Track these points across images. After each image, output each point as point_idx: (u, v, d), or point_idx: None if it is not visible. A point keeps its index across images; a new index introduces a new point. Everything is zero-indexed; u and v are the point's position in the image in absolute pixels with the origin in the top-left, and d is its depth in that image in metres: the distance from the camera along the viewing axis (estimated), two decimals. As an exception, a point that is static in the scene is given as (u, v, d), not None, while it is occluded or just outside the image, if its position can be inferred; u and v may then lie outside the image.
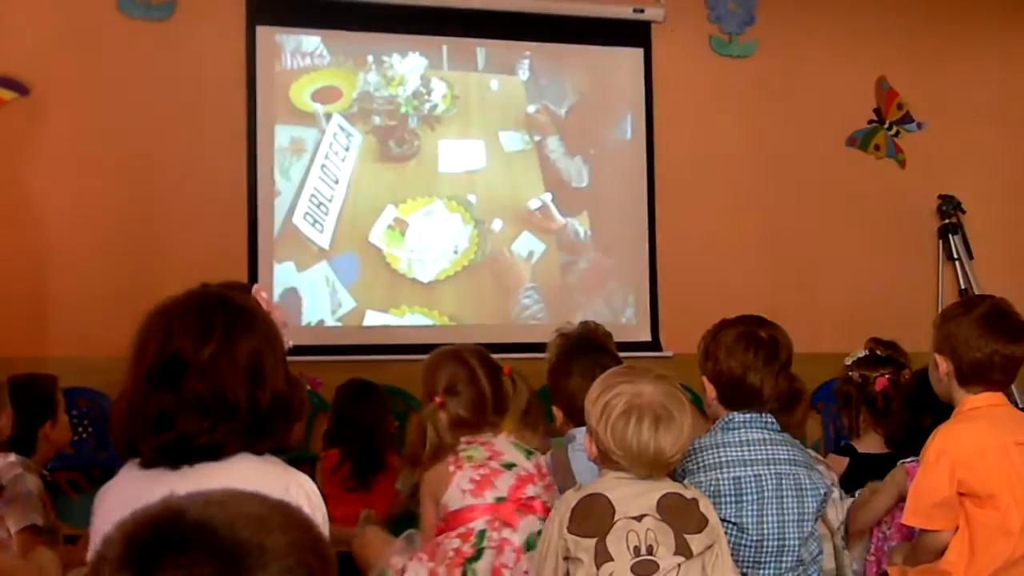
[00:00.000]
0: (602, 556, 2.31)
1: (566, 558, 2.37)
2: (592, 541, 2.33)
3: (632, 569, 2.30)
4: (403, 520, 3.45)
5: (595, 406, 2.44)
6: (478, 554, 2.79)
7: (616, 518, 2.34)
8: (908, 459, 3.22)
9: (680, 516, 2.36)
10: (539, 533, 2.82)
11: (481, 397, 3.03)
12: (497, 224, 6.05)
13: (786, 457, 2.77)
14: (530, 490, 2.92)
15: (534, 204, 6.12)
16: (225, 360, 1.91)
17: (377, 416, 4.39)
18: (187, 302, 1.99)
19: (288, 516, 1.10)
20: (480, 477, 2.89)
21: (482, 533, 2.82)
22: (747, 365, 2.80)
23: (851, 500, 3.45)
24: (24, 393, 3.43)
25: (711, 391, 2.87)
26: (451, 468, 2.91)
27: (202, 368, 1.90)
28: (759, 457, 2.74)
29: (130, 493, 1.93)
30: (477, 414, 3.02)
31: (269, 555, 1.02)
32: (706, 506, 2.43)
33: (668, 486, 2.43)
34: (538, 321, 5.95)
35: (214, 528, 1.02)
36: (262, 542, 1.03)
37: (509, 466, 2.93)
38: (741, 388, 2.80)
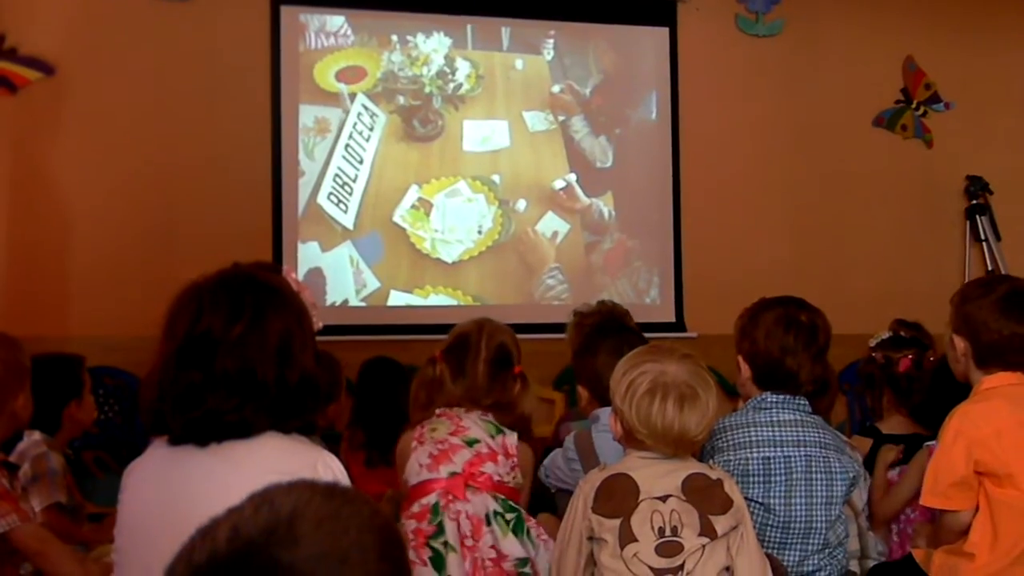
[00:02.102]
0: (626, 537, 2.31)
1: (590, 538, 2.38)
2: (616, 521, 2.32)
3: (657, 550, 2.30)
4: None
5: (620, 385, 2.43)
6: (439, 530, 2.78)
7: (641, 498, 2.34)
8: (931, 442, 3.21)
9: (705, 497, 2.36)
10: (496, 514, 2.83)
11: (471, 379, 3.03)
12: (521, 204, 6.03)
13: (817, 439, 2.76)
14: (487, 467, 2.89)
15: (558, 184, 6.10)
16: (254, 339, 1.92)
17: (398, 394, 4.39)
18: (218, 281, 2.00)
19: (361, 546, 1.04)
20: (438, 452, 2.89)
21: (435, 507, 2.81)
22: (786, 348, 2.79)
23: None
24: (50, 372, 3.45)
25: (746, 371, 2.86)
26: (413, 443, 2.94)
27: (231, 346, 1.91)
28: (789, 438, 2.73)
29: (158, 470, 1.95)
30: (458, 387, 3.03)
31: None
32: (731, 487, 2.42)
33: (693, 466, 2.42)
34: (562, 302, 5.93)
35: None
36: None
37: (471, 442, 2.92)
38: (778, 371, 2.80)
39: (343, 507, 1.07)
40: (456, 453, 2.89)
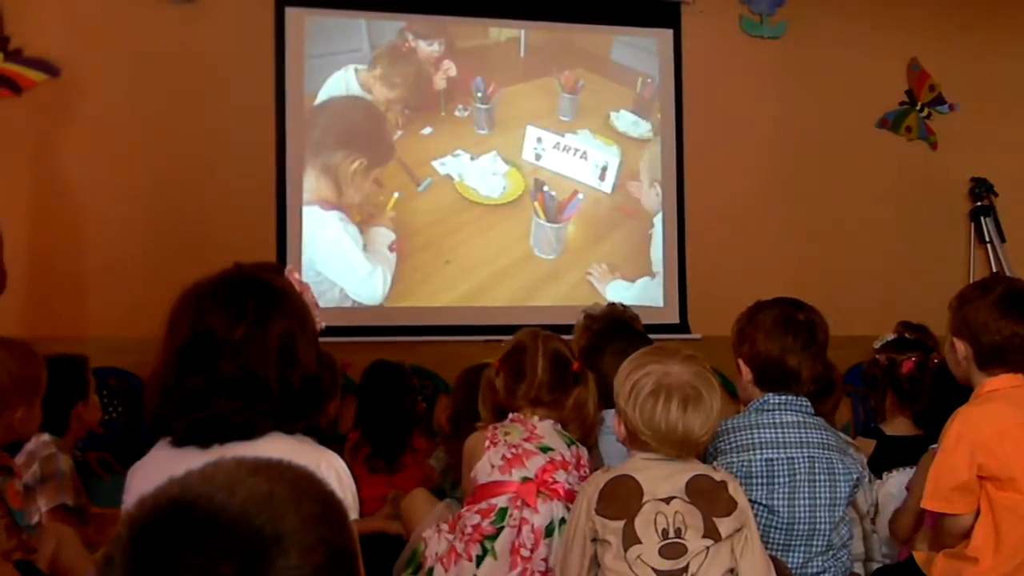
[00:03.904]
0: (630, 538, 2.30)
1: (593, 540, 2.37)
2: (620, 523, 2.32)
3: (660, 552, 2.29)
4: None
5: (624, 386, 2.43)
6: (497, 532, 2.78)
7: (644, 499, 2.33)
8: (936, 445, 3.20)
9: (708, 499, 2.35)
10: (562, 521, 2.82)
11: (531, 377, 3.03)
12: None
13: (819, 441, 2.75)
14: (559, 475, 2.88)
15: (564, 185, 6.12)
16: (257, 340, 1.92)
17: (401, 397, 4.38)
18: (220, 282, 1.99)
19: (295, 487, 1.08)
20: (512, 455, 2.88)
21: (503, 511, 2.80)
22: (785, 348, 2.79)
23: (879, 483, 3.43)
24: (56, 374, 3.44)
25: (747, 374, 2.85)
26: (486, 443, 2.92)
27: (234, 348, 1.91)
28: (792, 440, 2.73)
29: (162, 471, 1.92)
30: (526, 390, 3.02)
31: (287, 541, 1.01)
32: (735, 489, 2.41)
33: (697, 468, 2.42)
34: (567, 303, 5.93)
35: (228, 522, 1.00)
36: (277, 529, 1.01)
37: (545, 449, 2.91)
38: (779, 371, 2.79)
39: (280, 463, 1.13)
40: (530, 458, 2.88)
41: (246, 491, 1.04)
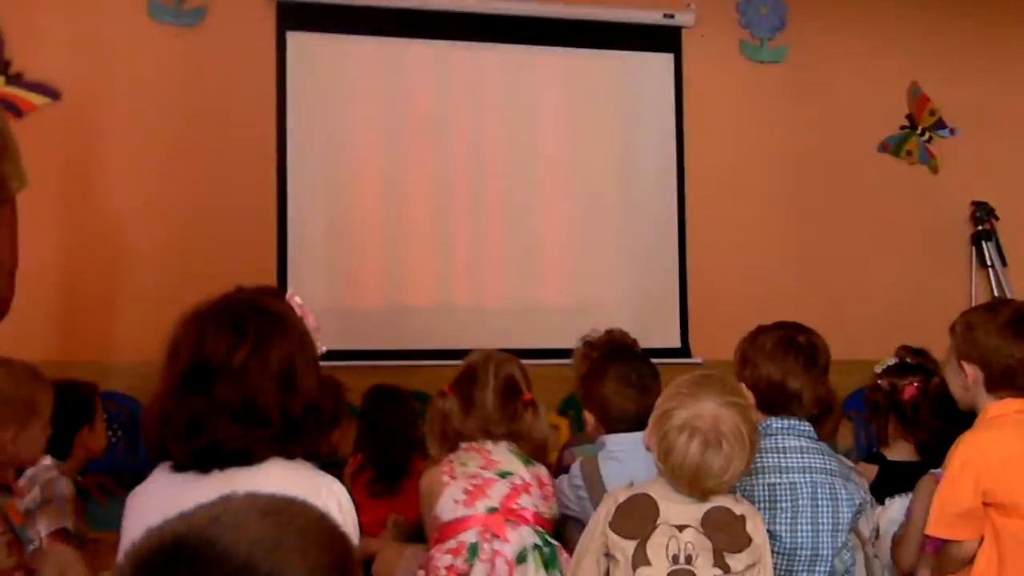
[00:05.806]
0: (640, 559, 2.30)
1: (606, 554, 2.36)
2: (632, 544, 2.31)
3: (669, 576, 2.29)
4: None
5: (656, 410, 2.44)
6: (471, 569, 2.76)
7: (658, 522, 2.33)
8: (935, 470, 3.18)
9: (723, 533, 2.34)
10: (534, 546, 2.81)
11: (481, 410, 3.03)
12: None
13: (822, 466, 2.75)
14: (524, 500, 2.88)
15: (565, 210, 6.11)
16: (257, 366, 1.91)
17: (402, 422, 4.36)
18: (220, 307, 1.99)
19: (303, 534, 1.06)
20: (473, 487, 2.86)
21: (473, 547, 2.79)
22: (787, 370, 2.79)
23: (881, 509, 3.42)
24: (62, 398, 3.43)
25: (749, 397, 2.85)
26: (444, 478, 2.90)
27: (234, 374, 1.90)
28: (795, 465, 2.72)
29: (161, 496, 1.94)
30: (475, 422, 3.02)
31: None
32: (754, 525, 2.39)
33: (719, 499, 2.40)
34: (567, 327, 5.91)
35: (231, 571, 0.98)
36: None
37: (504, 475, 2.90)
38: (781, 394, 2.79)
39: (292, 504, 1.10)
40: (491, 487, 2.87)
41: (253, 536, 1.02)
